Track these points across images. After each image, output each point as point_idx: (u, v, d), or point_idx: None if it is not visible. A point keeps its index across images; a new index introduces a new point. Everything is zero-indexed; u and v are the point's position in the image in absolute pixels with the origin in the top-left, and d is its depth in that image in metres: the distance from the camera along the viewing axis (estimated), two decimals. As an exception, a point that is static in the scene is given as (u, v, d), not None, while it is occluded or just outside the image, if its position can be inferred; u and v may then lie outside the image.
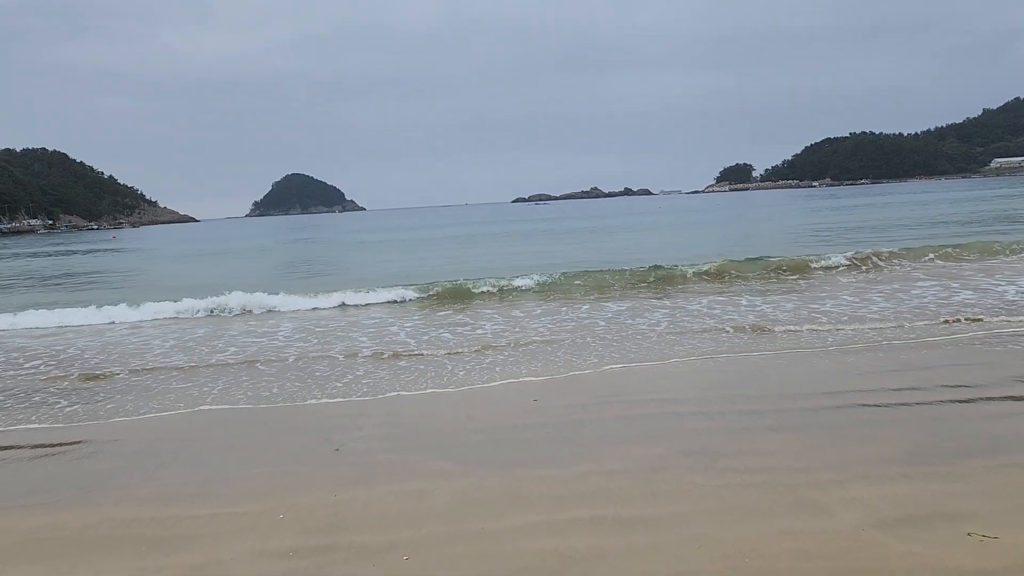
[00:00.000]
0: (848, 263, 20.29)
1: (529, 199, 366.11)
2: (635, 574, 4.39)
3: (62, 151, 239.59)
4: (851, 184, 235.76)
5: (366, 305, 17.63)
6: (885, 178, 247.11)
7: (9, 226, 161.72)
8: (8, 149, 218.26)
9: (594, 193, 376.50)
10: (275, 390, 9.67)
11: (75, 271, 39.12)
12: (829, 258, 20.76)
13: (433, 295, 18.28)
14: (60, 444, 7.77)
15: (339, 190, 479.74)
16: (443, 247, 44.04)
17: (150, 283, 28.09)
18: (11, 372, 11.81)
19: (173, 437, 7.85)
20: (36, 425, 8.61)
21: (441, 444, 7.06)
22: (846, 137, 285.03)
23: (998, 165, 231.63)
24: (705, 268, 19.90)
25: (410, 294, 18.10)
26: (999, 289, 15.01)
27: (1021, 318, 11.89)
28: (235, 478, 6.45)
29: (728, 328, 12.31)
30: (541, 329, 13.37)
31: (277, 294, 18.07)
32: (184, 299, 17.87)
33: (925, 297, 14.64)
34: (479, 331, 13.51)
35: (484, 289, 18.66)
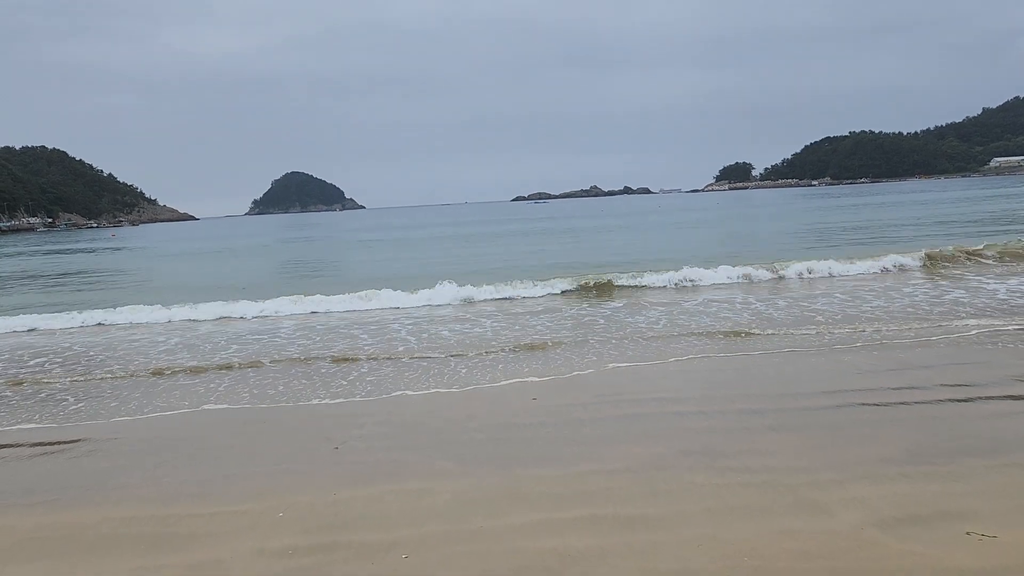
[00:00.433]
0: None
1: (528, 198, 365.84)
2: (635, 573, 4.39)
3: (61, 149, 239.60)
4: (851, 183, 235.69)
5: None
6: (884, 177, 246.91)
7: (8, 224, 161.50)
8: (7, 147, 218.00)
9: (594, 192, 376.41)
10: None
11: (98, 269, 39.10)
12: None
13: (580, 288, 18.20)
14: (59, 442, 7.77)
15: (339, 189, 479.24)
16: (478, 244, 43.89)
17: (215, 284, 25.74)
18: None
19: (173, 436, 7.85)
20: (34, 425, 8.61)
21: (441, 443, 7.07)
22: (846, 136, 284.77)
23: (997, 164, 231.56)
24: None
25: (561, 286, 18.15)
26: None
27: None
28: (235, 477, 6.45)
29: None
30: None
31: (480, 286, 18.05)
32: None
33: None
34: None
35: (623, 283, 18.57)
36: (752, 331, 11.89)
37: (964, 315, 12.41)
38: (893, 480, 5.55)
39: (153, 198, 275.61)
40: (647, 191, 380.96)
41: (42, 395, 9.99)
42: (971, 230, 31.77)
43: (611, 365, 10.04)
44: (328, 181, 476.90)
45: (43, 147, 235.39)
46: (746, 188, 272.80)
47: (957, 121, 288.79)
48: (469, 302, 17.14)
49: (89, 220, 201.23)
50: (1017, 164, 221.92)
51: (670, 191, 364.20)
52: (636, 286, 18.22)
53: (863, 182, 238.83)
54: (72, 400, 9.60)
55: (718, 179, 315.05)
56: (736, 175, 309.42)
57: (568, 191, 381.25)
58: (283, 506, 5.65)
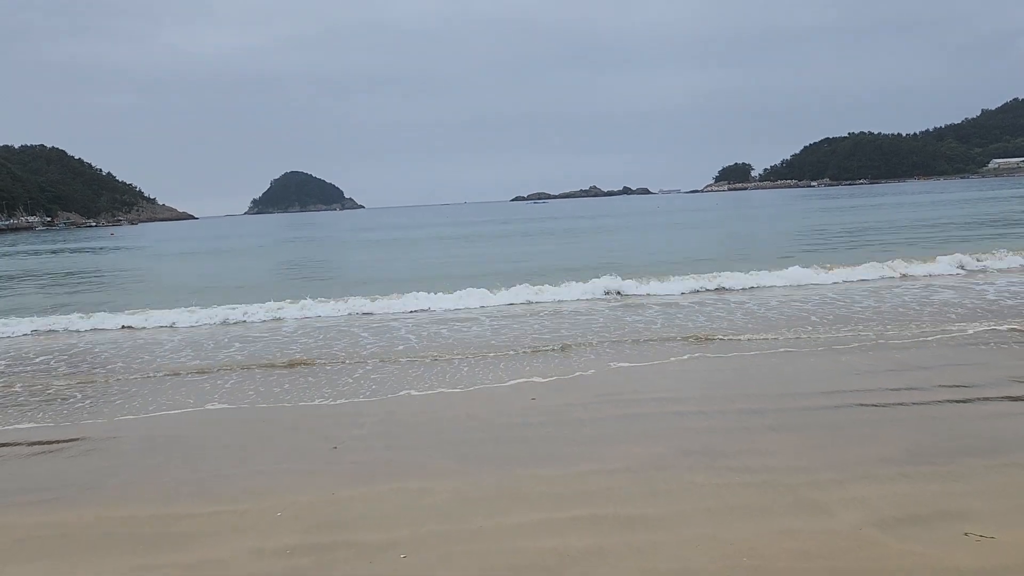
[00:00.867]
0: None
1: (528, 198, 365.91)
2: (635, 573, 4.39)
3: (60, 148, 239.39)
4: (850, 184, 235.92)
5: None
6: (884, 178, 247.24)
7: (7, 223, 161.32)
8: (7, 146, 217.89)
9: (593, 192, 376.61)
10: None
11: (105, 270, 39.05)
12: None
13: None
14: (57, 441, 7.76)
15: (338, 188, 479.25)
16: (503, 244, 43.53)
17: (235, 285, 25.28)
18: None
19: (172, 435, 7.84)
20: (33, 425, 8.60)
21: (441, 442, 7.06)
22: (845, 137, 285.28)
23: (996, 166, 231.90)
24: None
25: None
26: None
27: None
28: (234, 476, 6.44)
29: None
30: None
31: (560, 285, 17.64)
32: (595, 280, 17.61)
33: None
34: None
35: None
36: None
37: (954, 316, 12.42)
38: (892, 480, 5.55)
39: (152, 197, 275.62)
40: (646, 191, 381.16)
41: (49, 392, 9.99)
42: (981, 233, 31.79)
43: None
44: (327, 181, 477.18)
45: (42, 146, 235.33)
46: (745, 189, 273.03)
47: (956, 122, 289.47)
48: (619, 295, 16.80)
49: (88, 219, 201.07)
50: (1016, 166, 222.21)
51: (669, 191, 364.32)
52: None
53: (862, 183, 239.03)
54: (80, 397, 9.59)
55: (717, 180, 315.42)
56: (735, 176, 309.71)
57: (567, 191, 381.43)
58: (282, 505, 5.64)
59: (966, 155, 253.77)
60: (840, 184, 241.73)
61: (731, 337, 11.55)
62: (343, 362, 11.12)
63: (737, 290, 17.02)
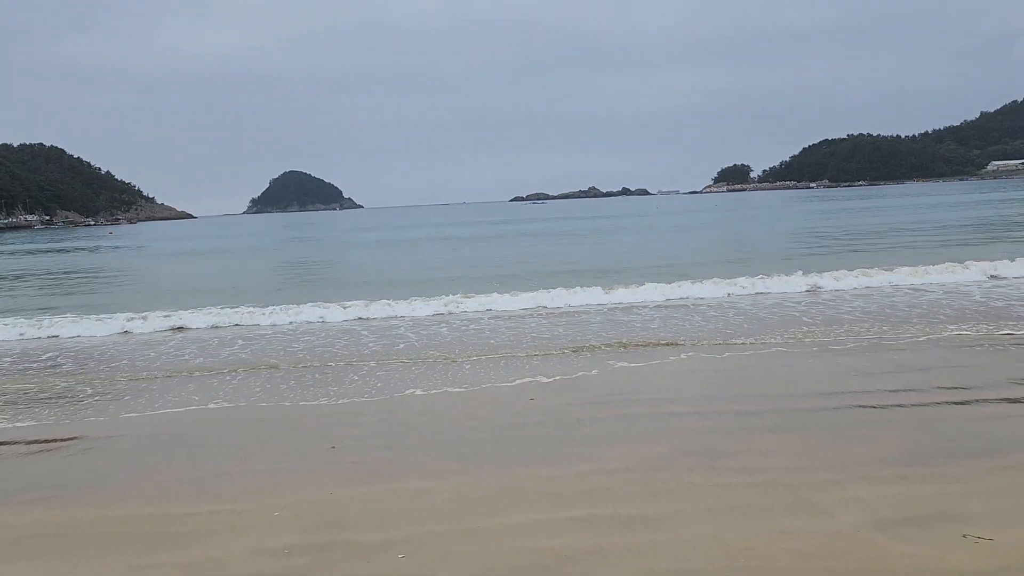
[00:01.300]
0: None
1: (527, 198, 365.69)
2: (634, 573, 4.39)
3: (59, 146, 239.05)
4: (848, 186, 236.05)
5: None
6: (882, 180, 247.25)
7: (5, 221, 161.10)
8: (5, 144, 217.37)
9: (592, 193, 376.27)
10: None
11: (107, 269, 39.00)
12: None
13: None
14: (56, 440, 7.74)
15: (337, 188, 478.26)
16: (519, 245, 42.94)
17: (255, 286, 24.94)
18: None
19: (172, 433, 7.83)
20: (32, 423, 8.59)
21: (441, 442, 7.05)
22: (843, 139, 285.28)
23: (995, 168, 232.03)
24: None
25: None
26: None
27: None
28: (232, 475, 6.43)
29: None
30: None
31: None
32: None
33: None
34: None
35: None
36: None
37: (943, 318, 12.44)
38: (891, 481, 5.55)
39: (151, 196, 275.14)
40: (645, 192, 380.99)
41: (46, 392, 9.98)
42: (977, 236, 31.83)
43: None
44: (327, 180, 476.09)
45: (41, 144, 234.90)
46: (744, 190, 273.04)
47: (955, 124, 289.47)
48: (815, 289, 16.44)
49: (86, 218, 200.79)
50: (1015, 168, 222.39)
51: (668, 192, 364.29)
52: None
53: (861, 185, 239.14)
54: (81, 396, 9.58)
55: (716, 181, 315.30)
56: (734, 177, 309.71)
57: (567, 192, 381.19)
58: (280, 505, 5.64)
59: (965, 157, 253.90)
60: (839, 186, 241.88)
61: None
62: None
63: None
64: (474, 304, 16.14)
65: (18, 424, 8.49)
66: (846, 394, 8.04)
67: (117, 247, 63.57)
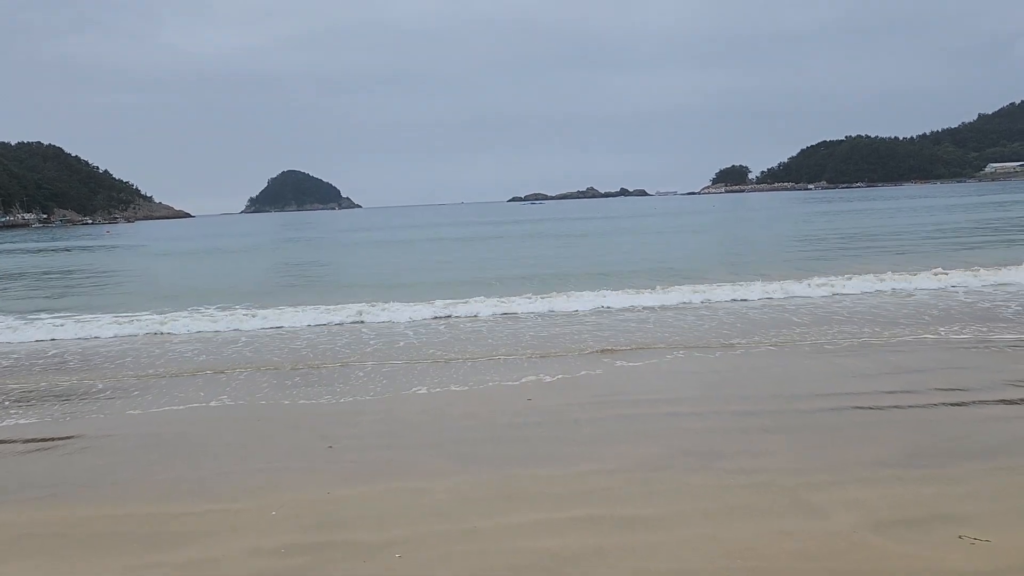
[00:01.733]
0: None
1: (525, 199, 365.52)
2: (633, 573, 4.39)
3: (57, 145, 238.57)
4: (846, 187, 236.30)
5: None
6: (880, 182, 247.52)
7: (3, 220, 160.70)
8: (3, 143, 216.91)
9: (590, 193, 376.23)
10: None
11: (109, 270, 38.89)
12: None
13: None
14: (54, 438, 7.74)
15: (335, 187, 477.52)
16: (528, 246, 41.91)
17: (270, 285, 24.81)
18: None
19: (170, 432, 7.82)
20: (31, 421, 8.58)
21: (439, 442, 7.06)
22: (842, 140, 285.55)
23: (993, 170, 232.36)
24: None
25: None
26: None
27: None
28: (231, 474, 6.43)
29: None
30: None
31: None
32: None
33: None
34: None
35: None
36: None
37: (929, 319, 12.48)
38: (888, 482, 5.56)
39: (149, 195, 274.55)
40: (643, 193, 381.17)
41: (57, 389, 9.97)
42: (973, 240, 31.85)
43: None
44: (325, 180, 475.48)
45: (39, 143, 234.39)
46: (742, 191, 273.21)
47: (953, 126, 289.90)
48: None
49: (84, 217, 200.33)
50: (1012, 170, 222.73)
51: (666, 193, 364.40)
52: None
53: (859, 186, 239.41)
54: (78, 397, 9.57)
55: (715, 182, 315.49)
56: (732, 178, 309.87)
57: (565, 192, 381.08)
58: (278, 504, 5.63)
59: (963, 159, 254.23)
60: (837, 187, 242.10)
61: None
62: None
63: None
64: (474, 306, 16.14)
65: (16, 422, 8.47)
66: (843, 395, 8.05)
67: (115, 246, 63.44)
